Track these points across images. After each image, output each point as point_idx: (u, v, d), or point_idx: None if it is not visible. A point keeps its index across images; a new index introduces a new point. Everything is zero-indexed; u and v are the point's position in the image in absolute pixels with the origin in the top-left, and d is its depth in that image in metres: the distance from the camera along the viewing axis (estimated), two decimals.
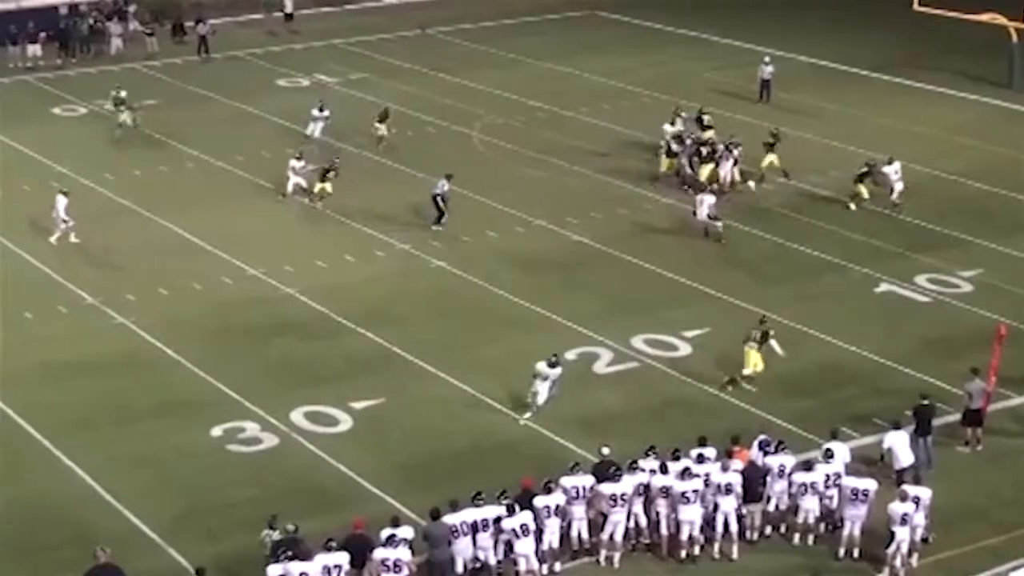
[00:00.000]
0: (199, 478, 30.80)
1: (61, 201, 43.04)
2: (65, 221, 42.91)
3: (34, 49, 63.93)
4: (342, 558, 25.54)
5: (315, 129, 51.85)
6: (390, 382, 34.84)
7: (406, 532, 26.36)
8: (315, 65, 63.63)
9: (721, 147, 47.21)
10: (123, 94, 53.72)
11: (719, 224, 43.18)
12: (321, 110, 52.00)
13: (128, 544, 27.56)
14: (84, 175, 48.93)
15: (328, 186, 45.67)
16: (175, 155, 51.40)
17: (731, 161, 46.90)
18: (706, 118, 50.06)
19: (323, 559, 25.41)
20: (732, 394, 33.92)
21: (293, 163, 46.46)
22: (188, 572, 26.93)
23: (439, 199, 43.97)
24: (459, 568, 26.69)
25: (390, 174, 48.76)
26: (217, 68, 63.98)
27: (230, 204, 46.43)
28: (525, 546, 26.78)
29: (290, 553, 25.36)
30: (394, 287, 40.38)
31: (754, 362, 33.97)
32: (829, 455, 28.62)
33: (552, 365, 32.79)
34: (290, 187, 46.17)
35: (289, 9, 70.61)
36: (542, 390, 32.64)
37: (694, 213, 43.46)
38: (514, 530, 26.68)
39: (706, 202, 43.35)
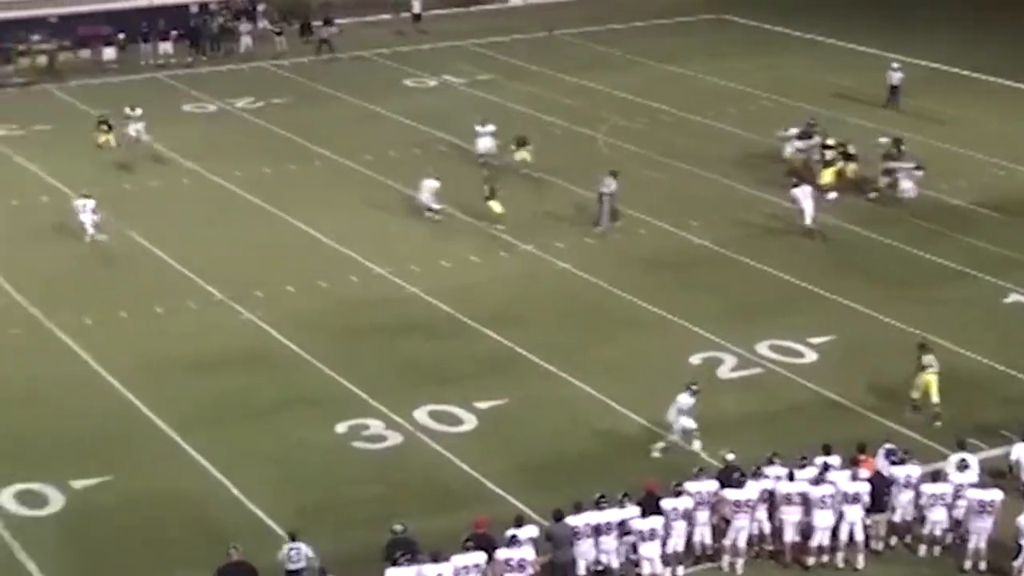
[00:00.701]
0: (323, 474, 31.08)
1: (85, 204, 43.33)
2: (93, 224, 43.20)
3: (165, 47, 64.86)
4: (479, 557, 25.62)
5: (483, 145, 49.85)
6: (514, 382, 34.95)
7: (530, 531, 26.45)
8: (442, 66, 63.90)
9: (841, 150, 46.93)
10: (137, 111, 51.40)
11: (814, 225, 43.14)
12: (484, 124, 50.13)
13: (253, 538, 27.78)
14: (213, 172, 49.59)
15: (496, 205, 44.29)
16: (303, 153, 51.86)
17: (852, 165, 46.68)
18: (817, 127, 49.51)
19: (460, 559, 25.52)
20: (856, 403, 33.64)
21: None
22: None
23: (606, 198, 44.00)
24: (581, 570, 26.71)
25: (514, 174, 48.88)
26: (344, 67, 64.49)
27: (357, 203, 46.75)
28: (651, 549, 26.78)
29: (408, 555, 25.48)
30: (519, 288, 40.49)
31: (926, 387, 32.87)
32: (964, 465, 28.28)
33: (693, 393, 31.52)
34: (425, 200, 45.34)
35: (417, 9, 71.00)
36: (681, 423, 31.58)
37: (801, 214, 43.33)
38: (642, 532, 26.69)
39: (806, 201, 43.17)
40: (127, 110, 51.00)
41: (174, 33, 65.28)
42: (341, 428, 32.76)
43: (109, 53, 63.69)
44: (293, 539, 26.41)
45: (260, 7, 69.26)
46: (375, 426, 32.89)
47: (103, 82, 61.92)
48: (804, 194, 43.57)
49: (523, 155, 48.65)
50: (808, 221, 43.27)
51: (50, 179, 48.89)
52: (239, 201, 47.19)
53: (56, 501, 29.89)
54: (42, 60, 62.39)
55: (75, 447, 32.03)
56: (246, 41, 66.47)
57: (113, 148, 50.31)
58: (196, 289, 40.15)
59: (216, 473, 30.90)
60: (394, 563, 25.47)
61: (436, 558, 25.52)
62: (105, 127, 50.63)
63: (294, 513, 29.21)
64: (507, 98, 57.91)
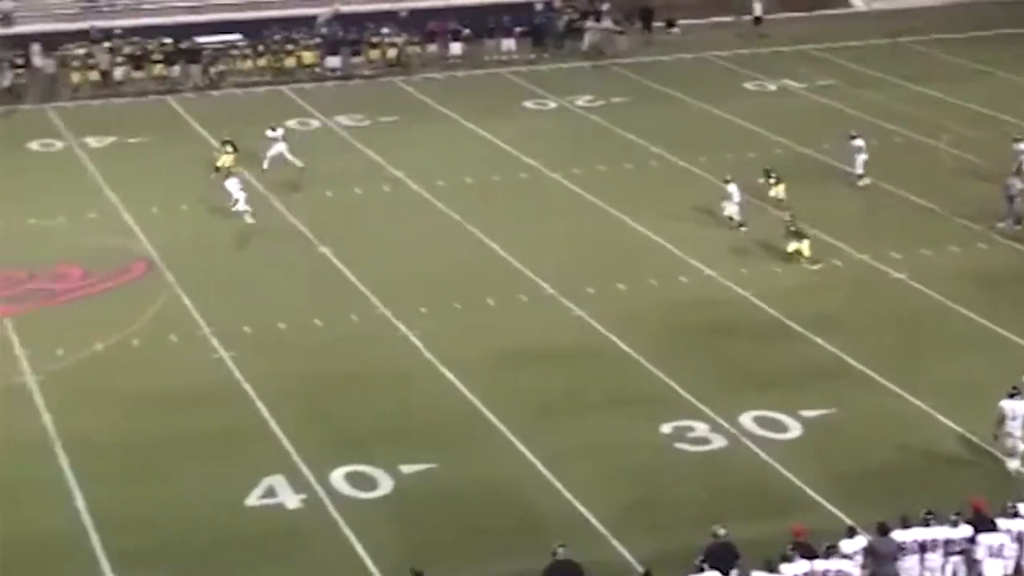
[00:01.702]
0: (646, 473, 31.20)
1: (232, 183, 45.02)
2: (236, 200, 44.65)
3: (508, 43, 65.78)
4: (804, 567, 25.35)
5: (858, 161, 47.99)
6: (842, 392, 34.49)
7: (857, 544, 26.07)
8: (783, 70, 63.31)
9: None
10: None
11: None
12: (854, 138, 48.27)
13: (573, 533, 28.02)
14: (551, 168, 50.16)
15: (802, 246, 41.94)
16: (640, 153, 52.04)
17: None
18: None
19: (787, 568, 25.37)
20: None
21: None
22: (630, 565, 27.37)
23: (1017, 200, 43.27)
24: None
25: (840, 178, 48.21)
26: (684, 68, 64.43)
27: (690, 204, 46.68)
28: (994, 569, 26.10)
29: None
30: (850, 297, 39.94)
31: None
32: None
33: (1011, 396, 30.78)
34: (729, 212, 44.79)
35: (758, 13, 70.48)
36: (1012, 430, 30.71)
37: None
38: (991, 548, 26.05)
39: None
40: (268, 131, 49.85)
41: (518, 30, 66.20)
42: (666, 429, 32.82)
43: (455, 48, 64.90)
44: None
45: (605, 6, 69.64)
46: (700, 429, 32.87)
47: (447, 76, 63.21)
48: None
49: (777, 191, 46.24)
50: None
51: (393, 170, 50.15)
52: (574, 198, 47.63)
53: (385, 485, 30.70)
54: (391, 53, 64.00)
55: (405, 433, 32.85)
56: (589, 39, 66.97)
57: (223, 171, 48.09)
58: (527, 283, 40.69)
59: (540, 466, 31.28)
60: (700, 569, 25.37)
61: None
62: (230, 148, 49.06)
63: (615, 510, 29.45)
64: (847, 104, 57.09)
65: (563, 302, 39.52)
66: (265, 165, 49.08)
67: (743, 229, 43.81)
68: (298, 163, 48.97)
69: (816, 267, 41.38)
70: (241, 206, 44.86)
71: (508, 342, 37.20)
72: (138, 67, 60.95)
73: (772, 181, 45.96)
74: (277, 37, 63.44)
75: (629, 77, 62.91)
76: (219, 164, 48.52)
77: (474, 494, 30.46)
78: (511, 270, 41.63)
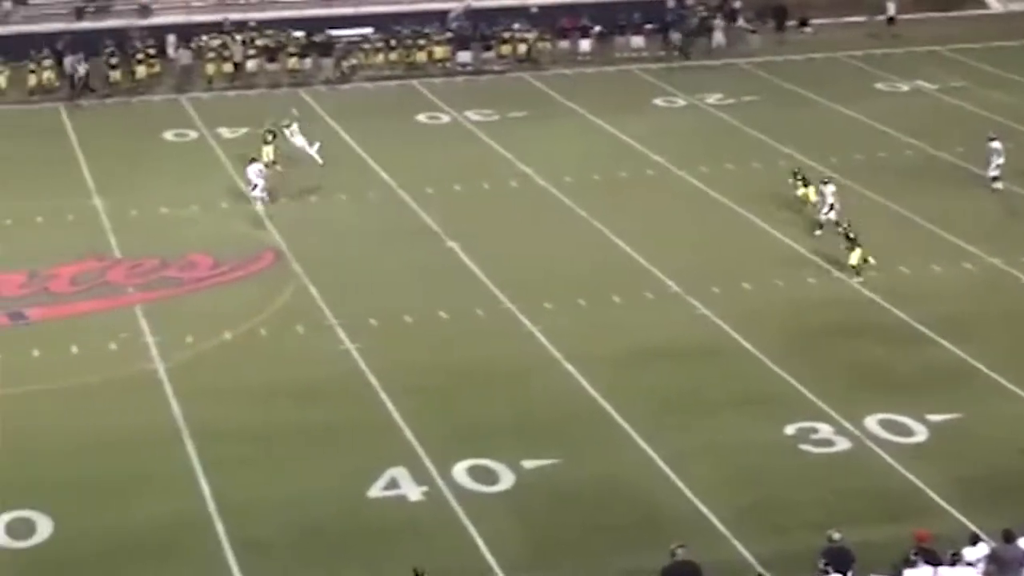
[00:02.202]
0: (768, 474, 31.05)
1: (253, 167, 45.71)
2: (255, 186, 45.64)
3: (637, 40, 65.68)
4: (927, 572, 25.15)
5: (992, 164, 47.16)
6: (969, 396, 34.10)
7: (980, 551, 25.76)
8: (915, 70, 62.60)
9: None
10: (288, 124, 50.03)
11: None
12: (992, 140, 47.25)
13: (693, 531, 27.99)
14: (679, 166, 50.03)
15: (857, 253, 40.72)
16: (769, 152, 51.70)
17: None
18: None
19: (909, 573, 25.16)
20: None
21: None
22: (750, 565, 27.22)
23: None
24: None
25: (972, 181, 47.61)
26: (816, 68, 63.91)
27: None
28: None
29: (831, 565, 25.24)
30: (980, 300, 39.46)
31: None
32: None
33: None
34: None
35: (892, 12, 69.76)
36: None
37: None
38: None
39: None
40: (286, 130, 49.65)
41: (648, 27, 66.08)
42: (790, 430, 32.63)
43: (585, 45, 64.89)
44: None
45: (737, 4, 69.28)
46: (824, 430, 32.65)
47: (577, 72, 63.23)
48: None
49: (805, 192, 45.44)
50: None
51: (522, 165, 50.28)
52: (701, 196, 47.45)
53: (506, 479, 30.82)
54: (521, 49, 64.15)
55: (527, 428, 32.95)
56: (719, 38, 66.67)
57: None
58: (653, 281, 40.64)
59: (662, 465, 31.24)
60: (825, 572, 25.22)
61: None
62: (270, 136, 48.43)
63: (735, 510, 29.36)
64: (980, 106, 56.37)
65: (688, 300, 39.41)
66: (320, 160, 48.92)
67: (818, 233, 43.32)
68: (278, 169, 48.47)
69: (857, 279, 40.57)
70: (258, 192, 45.77)
71: (633, 339, 37.17)
72: (271, 59, 61.65)
73: (800, 182, 45.42)
74: (409, 31, 63.87)
75: (760, 76, 62.54)
76: (266, 156, 47.72)
77: (595, 491, 30.48)
78: (637, 267, 41.58)
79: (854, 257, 40.49)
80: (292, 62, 61.72)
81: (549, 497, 30.22)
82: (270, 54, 61.75)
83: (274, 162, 47.75)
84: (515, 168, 50.19)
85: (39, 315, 39.00)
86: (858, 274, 40.41)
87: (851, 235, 40.73)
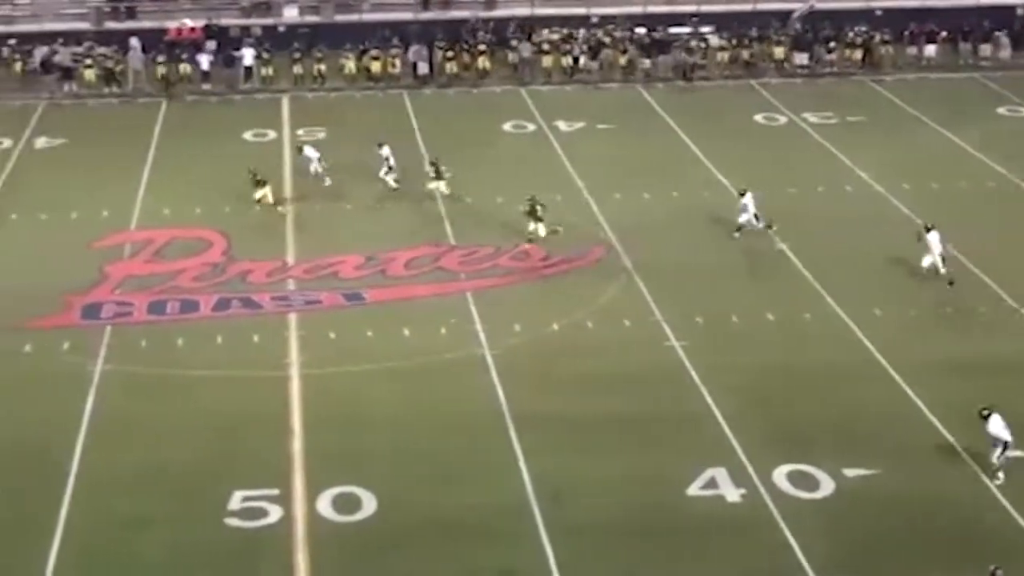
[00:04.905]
0: None
1: (311, 153, 47.74)
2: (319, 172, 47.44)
3: (985, 48, 63.97)
4: None
5: None
6: None
7: None
8: None
9: None
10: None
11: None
12: None
13: (1017, 554, 27.49)
14: (1020, 176, 48.79)
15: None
16: None
17: None
18: None
19: None
20: None
21: None
22: None
23: None
24: None
25: None
26: None
27: None
28: None
29: None
30: None
31: None
32: None
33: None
34: None
35: None
36: None
37: None
38: None
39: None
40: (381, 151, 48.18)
41: (997, 34, 64.35)
42: None
43: (929, 50, 63.52)
44: None
45: None
46: None
47: (918, 77, 62.05)
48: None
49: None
50: None
51: (858, 170, 49.60)
52: None
53: (826, 486, 30.53)
54: (860, 52, 63.14)
55: (850, 435, 32.58)
56: None
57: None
58: (988, 294, 39.71)
59: (987, 482, 30.51)
60: None
61: None
62: (259, 184, 45.92)
63: None
64: None
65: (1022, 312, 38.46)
66: (392, 183, 47.74)
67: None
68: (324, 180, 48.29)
69: None
70: (316, 166, 47.64)
71: (961, 353, 36.47)
72: (609, 55, 62.01)
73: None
74: (749, 31, 63.57)
75: None
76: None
77: (915, 504, 29.98)
78: (973, 280, 40.56)
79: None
80: (631, 58, 61.96)
81: (868, 507, 29.82)
82: (609, 49, 62.14)
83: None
84: (851, 173, 49.55)
85: (374, 297, 40.17)
86: None
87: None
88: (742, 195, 43.60)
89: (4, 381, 35.50)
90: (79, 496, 30.28)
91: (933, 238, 40.58)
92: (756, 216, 43.20)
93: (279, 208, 45.73)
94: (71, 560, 28.24)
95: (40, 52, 60.71)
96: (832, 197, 47.46)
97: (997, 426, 30.46)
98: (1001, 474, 30.52)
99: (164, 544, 28.69)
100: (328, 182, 47.62)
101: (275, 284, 40.90)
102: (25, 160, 51.66)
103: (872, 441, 32.30)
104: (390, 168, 47.40)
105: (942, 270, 40.31)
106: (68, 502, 30.02)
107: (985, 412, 30.65)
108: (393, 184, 47.27)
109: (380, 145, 47.94)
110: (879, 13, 66.01)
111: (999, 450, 30.43)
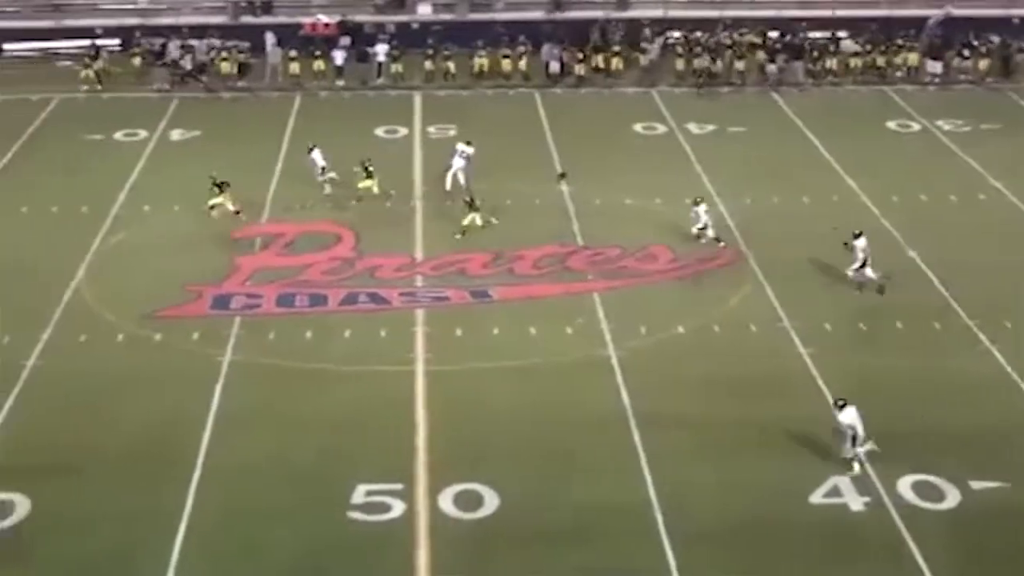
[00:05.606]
0: None
1: (318, 158, 46.95)
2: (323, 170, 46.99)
3: None
4: None
5: None
6: None
7: None
8: None
9: None
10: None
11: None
12: None
13: None
14: None
15: None
16: None
17: None
18: None
19: None
20: None
21: None
22: None
23: None
24: None
25: None
26: None
27: None
28: None
29: None
30: None
31: None
32: None
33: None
34: None
35: None
36: None
37: None
38: None
39: None
40: (460, 145, 48.06)
41: None
42: None
43: None
44: None
45: None
46: None
47: None
48: None
49: None
50: None
51: (992, 179, 48.97)
52: None
53: (952, 497, 30.23)
54: (994, 60, 62.18)
55: (977, 447, 32.21)
56: None
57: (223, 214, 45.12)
58: None
59: None
60: None
61: None
62: (217, 190, 45.07)
63: None
64: None
65: None
66: (328, 188, 47.44)
67: None
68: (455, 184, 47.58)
69: None
70: (321, 175, 47.11)
71: None
72: (741, 58, 61.69)
73: None
74: (883, 37, 62.96)
75: None
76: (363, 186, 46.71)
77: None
78: None
79: None
80: (762, 61, 61.56)
81: (994, 520, 29.51)
82: (742, 52, 61.83)
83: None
84: (985, 182, 48.92)
85: (501, 295, 40.33)
86: None
87: None
88: (696, 204, 43.38)
89: (134, 370, 36.05)
90: (204, 486, 30.73)
91: (860, 243, 40.10)
92: (706, 226, 43.02)
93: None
94: (194, 550, 28.64)
95: (174, 45, 61.64)
96: (965, 205, 46.90)
97: (851, 416, 30.87)
98: (856, 465, 30.84)
99: (287, 536, 29.02)
100: (328, 190, 47.29)
101: (403, 280, 41.21)
102: (160, 152, 52.46)
103: (1000, 453, 31.92)
104: (323, 170, 47.25)
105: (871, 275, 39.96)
106: (194, 492, 30.47)
107: (840, 403, 31.15)
108: (329, 189, 47.10)
109: (310, 149, 47.80)
110: (1016, 21, 65.06)
111: (849, 443, 30.81)
